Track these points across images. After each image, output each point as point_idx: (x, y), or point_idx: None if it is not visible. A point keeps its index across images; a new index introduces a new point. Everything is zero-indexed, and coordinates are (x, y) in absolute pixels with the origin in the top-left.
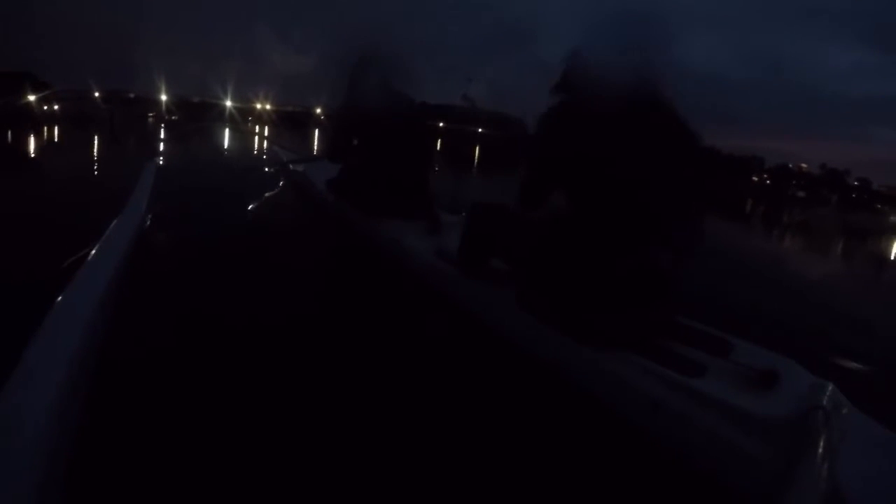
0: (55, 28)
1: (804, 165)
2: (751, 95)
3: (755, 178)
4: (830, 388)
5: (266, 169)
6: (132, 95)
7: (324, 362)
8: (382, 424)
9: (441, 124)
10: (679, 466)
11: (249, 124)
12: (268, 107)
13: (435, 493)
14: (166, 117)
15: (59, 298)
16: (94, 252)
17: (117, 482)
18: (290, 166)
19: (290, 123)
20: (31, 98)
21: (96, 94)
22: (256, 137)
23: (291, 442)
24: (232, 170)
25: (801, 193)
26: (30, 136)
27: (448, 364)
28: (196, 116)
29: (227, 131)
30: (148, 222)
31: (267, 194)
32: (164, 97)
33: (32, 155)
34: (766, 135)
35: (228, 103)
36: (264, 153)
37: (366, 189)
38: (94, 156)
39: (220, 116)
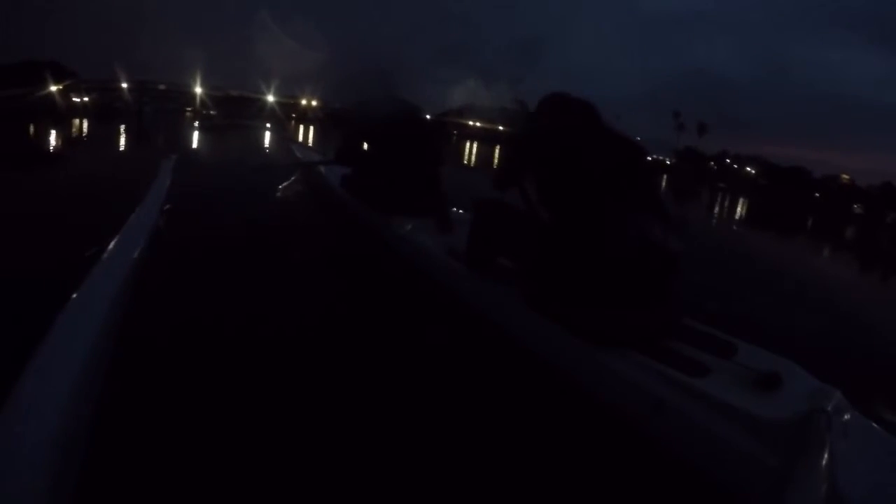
0: (87, 14)
1: (846, 176)
2: (779, 103)
3: (817, 194)
4: (833, 391)
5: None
6: (163, 87)
7: (335, 359)
8: (392, 418)
9: (501, 128)
10: (681, 466)
11: (293, 122)
12: (314, 103)
13: (440, 489)
14: (204, 112)
15: (75, 294)
16: (110, 247)
17: (130, 479)
18: (304, 162)
19: (337, 123)
20: (53, 89)
21: (124, 85)
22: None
23: (299, 440)
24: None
25: (857, 209)
26: (43, 132)
27: (455, 361)
28: (235, 112)
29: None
30: (165, 218)
31: (284, 191)
32: (199, 90)
33: (44, 156)
34: (796, 143)
35: (271, 98)
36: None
37: (379, 187)
38: (114, 161)
39: (261, 113)
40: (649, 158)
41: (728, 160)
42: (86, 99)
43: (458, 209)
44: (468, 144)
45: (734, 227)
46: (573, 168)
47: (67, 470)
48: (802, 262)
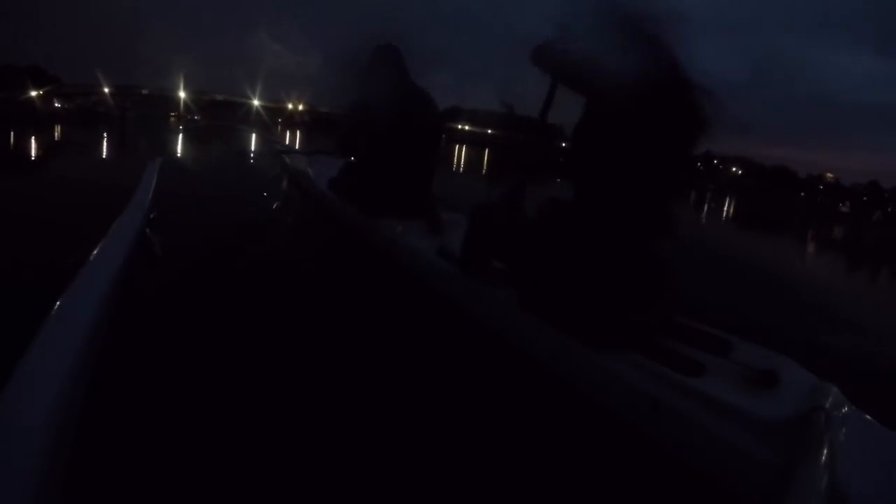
0: (70, 20)
1: (830, 175)
2: (763, 103)
3: (802, 193)
4: (831, 388)
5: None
6: (146, 92)
7: (324, 363)
8: (387, 423)
9: (489, 131)
10: (678, 466)
11: (279, 127)
12: (300, 107)
13: (434, 494)
14: (188, 117)
15: (60, 300)
16: (95, 252)
17: (116, 486)
18: (291, 164)
19: (325, 127)
20: (33, 94)
21: (106, 90)
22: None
23: (289, 445)
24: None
25: (844, 208)
26: (21, 139)
27: (448, 364)
28: (220, 116)
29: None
30: (150, 222)
31: (271, 194)
32: (182, 94)
33: (22, 163)
34: (780, 144)
35: (256, 102)
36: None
37: (367, 188)
38: (95, 167)
39: (247, 117)
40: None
41: (715, 161)
42: (67, 105)
43: (448, 211)
44: (457, 148)
45: (727, 228)
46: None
47: (51, 479)
48: (793, 262)
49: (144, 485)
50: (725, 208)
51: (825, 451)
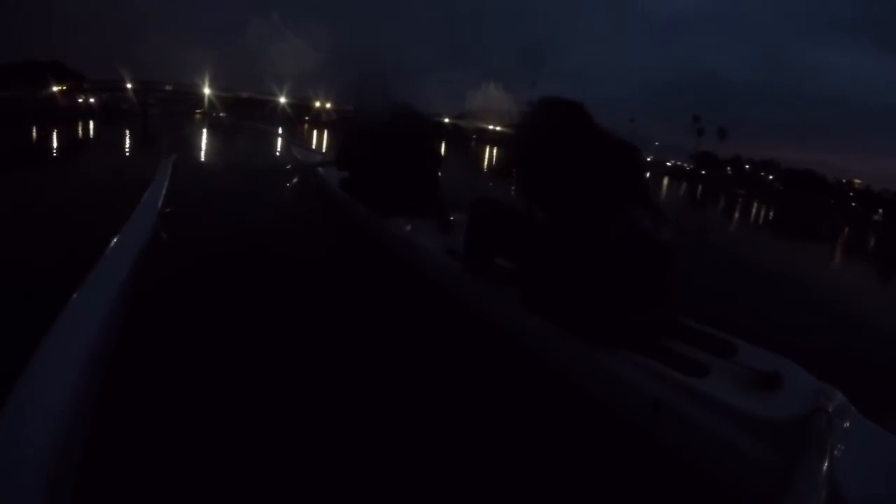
0: (93, 15)
1: (858, 181)
2: (781, 106)
3: (832, 200)
4: (833, 391)
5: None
6: (169, 88)
7: (333, 360)
8: (391, 420)
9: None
10: (680, 467)
11: (305, 125)
12: (327, 105)
13: (436, 491)
14: (213, 115)
15: (74, 295)
16: (108, 248)
17: (127, 484)
18: (304, 163)
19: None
20: (55, 90)
21: (129, 86)
22: None
23: (296, 441)
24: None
25: (877, 217)
26: (43, 135)
27: (453, 362)
28: (245, 114)
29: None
30: (164, 219)
31: (285, 194)
32: (208, 91)
33: (42, 160)
34: (800, 146)
35: (282, 100)
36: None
37: (377, 188)
38: (115, 165)
39: (272, 115)
40: (646, 158)
41: (746, 165)
42: (91, 100)
43: (458, 211)
44: (487, 149)
45: (772, 240)
46: (565, 168)
47: (64, 474)
48: (842, 278)
49: (160, 477)
50: (754, 214)
51: (826, 454)
